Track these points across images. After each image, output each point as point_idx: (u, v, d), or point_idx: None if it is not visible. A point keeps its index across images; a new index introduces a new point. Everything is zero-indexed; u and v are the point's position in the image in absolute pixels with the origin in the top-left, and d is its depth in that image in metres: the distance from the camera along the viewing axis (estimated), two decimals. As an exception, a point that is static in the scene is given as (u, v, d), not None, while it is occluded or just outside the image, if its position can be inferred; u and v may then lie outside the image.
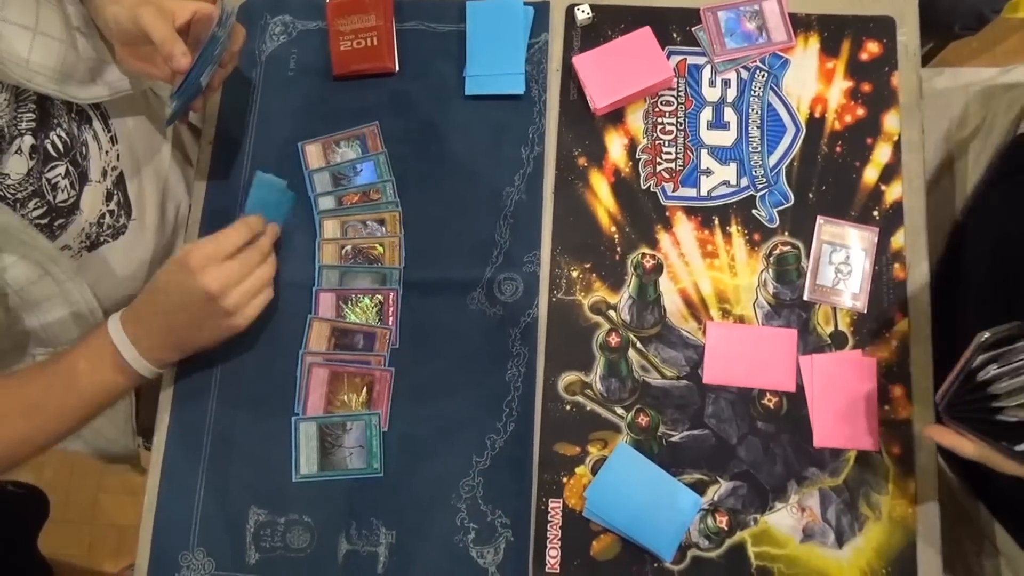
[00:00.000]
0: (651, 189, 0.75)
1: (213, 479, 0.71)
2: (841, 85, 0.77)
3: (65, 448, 0.84)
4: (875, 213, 0.73)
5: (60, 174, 0.74)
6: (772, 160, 0.75)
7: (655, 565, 0.67)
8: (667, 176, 0.76)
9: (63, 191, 0.74)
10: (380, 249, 0.75)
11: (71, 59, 0.72)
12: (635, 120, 0.77)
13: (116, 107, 0.81)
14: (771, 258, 0.73)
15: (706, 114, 0.77)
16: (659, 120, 0.77)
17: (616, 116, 0.78)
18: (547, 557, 0.67)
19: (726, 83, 0.78)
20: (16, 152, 0.70)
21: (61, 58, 0.70)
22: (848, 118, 0.76)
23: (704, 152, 0.76)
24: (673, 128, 0.77)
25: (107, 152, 0.80)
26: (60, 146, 0.73)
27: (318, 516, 0.70)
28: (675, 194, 0.75)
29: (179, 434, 0.73)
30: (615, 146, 0.77)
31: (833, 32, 0.78)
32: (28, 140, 0.71)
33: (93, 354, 0.69)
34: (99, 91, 0.76)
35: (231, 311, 0.67)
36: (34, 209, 0.72)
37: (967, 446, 0.57)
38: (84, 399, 0.68)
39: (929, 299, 0.72)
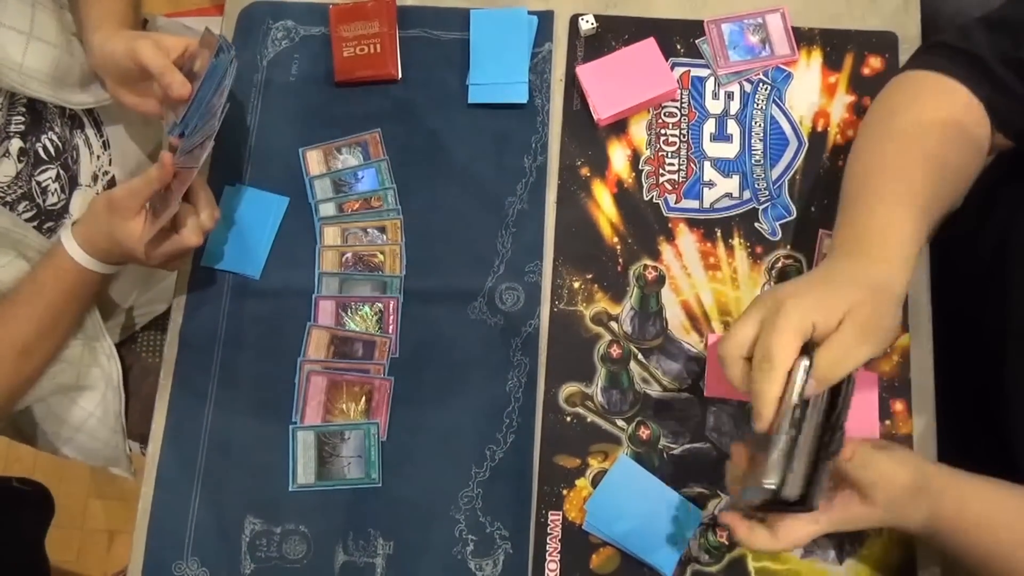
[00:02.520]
0: (654, 200, 0.75)
1: (208, 487, 0.70)
2: (843, 99, 0.77)
3: (58, 454, 0.83)
4: (877, 228, 0.73)
5: (51, 178, 0.73)
6: (775, 173, 0.75)
7: (655, 579, 0.66)
8: (670, 187, 0.76)
9: (53, 195, 0.74)
10: (381, 257, 0.75)
11: (65, 64, 0.71)
12: (638, 131, 0.77)
13: (109, 112, 0.81)
14: (773, 271, 0.73)
15: (709, 126, 0.77)
16: (662, 131, 0.77)
17: (619, 127, 0.78)
18: (546, 570, 0.67)
19: (729, 95, 0.78)
20: (4, 155, 0.70)
21: (55, 63, 0.70)
22: (850, 132, 0.76)
23: (707, 164, 0.76)
24: (676, 140, 0.77)
25: (98, 157, 0.79)
26: (52, 150, 0.73)
27: (315, 526, 0.69)
28: (678, 206, 0.75)
29: (174, 441, 0.72)
30: (618, 157, 0.77)
31: (836, 46, 0.79)
32: (16, 143, 0.70)
33: (52, 265, 0.69)
34: (93, 96, 0.76)
35: None
36: (24, 212, 0.72)
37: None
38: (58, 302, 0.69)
39: (930, 314, 0.72)
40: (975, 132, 0.63)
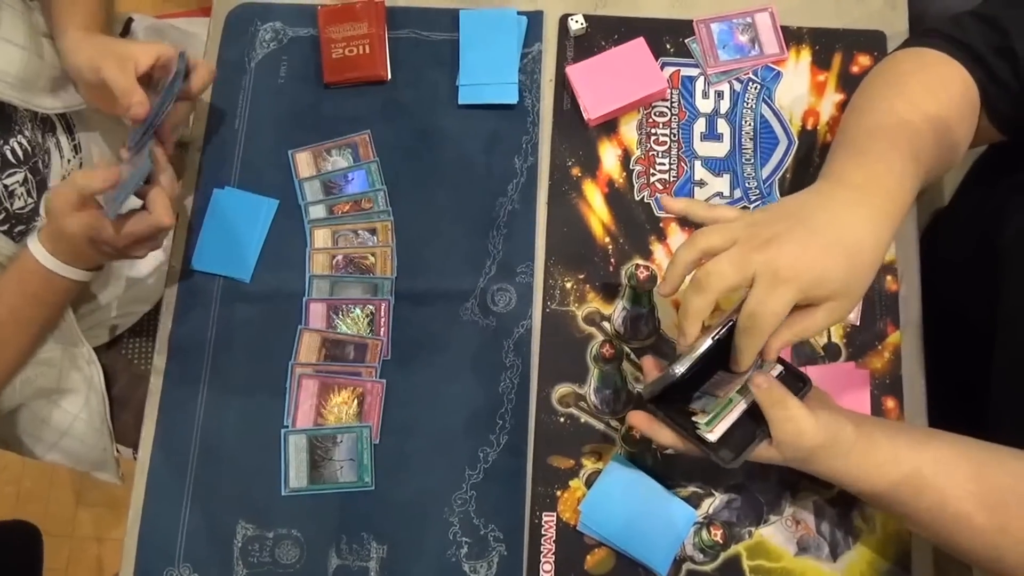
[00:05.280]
0: (645, 200, 0.75)
1: (200, 493, 0.70)
2: (833, 98, 0.77)
3: (43, 459, 0.82)
4: (867, 225, 0.73)
5: (18, 181, 0.72)
6: (765, 172, 0.76)
7: (650, 579, 0.66)
8: (661, 187, 0.76)
9: (19, 198, 0.73)
10: (372, 259, 0.75)
11: (35, 66, 0.71)
12: (629, 131, 0.77)
13: (81, 117, 0.80)
14: (764, 270, 0.73)
15: (699, 125, 0.77)
16: (653, 131, 0.77)
17: (610, 127, 0.78)
18: (541, 572, 0.67)
19: (719, 95, 0.78)
20: None
21: (24, 65, 0.69)
22: (840, 131, 0.76)
23: (698, 163, 0.76)
24: (667, 139, 0.77)
25: (69, 160, 0.78)
26: (20, 153, 0.72)
27: (308, 530, 0.68)
28: (669, 205, 0.75)
29: (165, 446, 0.71)
30: (609, 156, 0.77)
31: (824, 45, 0.79)
32: None
33: (16, 268, 0.69)
34: (63, 101, 0.75)
35: None
36: None
37: (663, 434, 0.60)
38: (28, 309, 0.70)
39: (920, 311, 0.72)
40: (967, 116, 0.64)
